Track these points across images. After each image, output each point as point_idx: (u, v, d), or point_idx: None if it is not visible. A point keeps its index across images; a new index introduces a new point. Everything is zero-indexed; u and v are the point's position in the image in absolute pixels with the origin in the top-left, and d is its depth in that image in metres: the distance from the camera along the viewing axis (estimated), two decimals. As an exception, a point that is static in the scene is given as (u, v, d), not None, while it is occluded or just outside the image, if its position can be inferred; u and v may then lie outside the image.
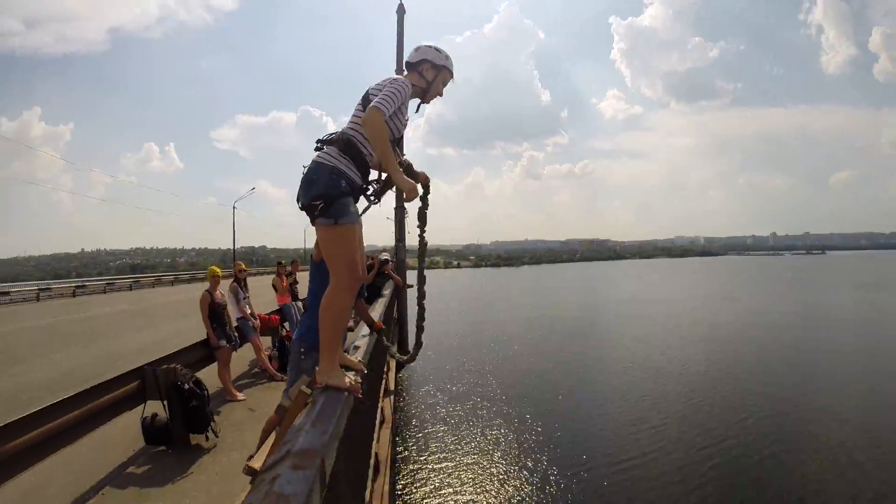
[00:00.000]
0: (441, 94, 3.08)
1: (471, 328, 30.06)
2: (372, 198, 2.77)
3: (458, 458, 11.25)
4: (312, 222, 2.54)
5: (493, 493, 9.77)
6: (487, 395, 15.95)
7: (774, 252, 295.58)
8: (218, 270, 7.91)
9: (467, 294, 57.85)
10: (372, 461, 3.83)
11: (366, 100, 2.69)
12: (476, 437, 12.47)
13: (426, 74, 2.97)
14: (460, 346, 24.18)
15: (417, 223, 3.25)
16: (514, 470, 10.73)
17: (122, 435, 5.96)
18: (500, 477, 10.39)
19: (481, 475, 10.49)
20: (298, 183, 2.59)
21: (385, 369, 7.25)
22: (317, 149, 2.67)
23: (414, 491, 9.83)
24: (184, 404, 5.72)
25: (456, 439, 12.35)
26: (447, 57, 3.00)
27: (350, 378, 2.31)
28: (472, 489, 9.90)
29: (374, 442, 4.19)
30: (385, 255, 11.05)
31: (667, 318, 32.38)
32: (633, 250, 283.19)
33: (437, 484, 10.08)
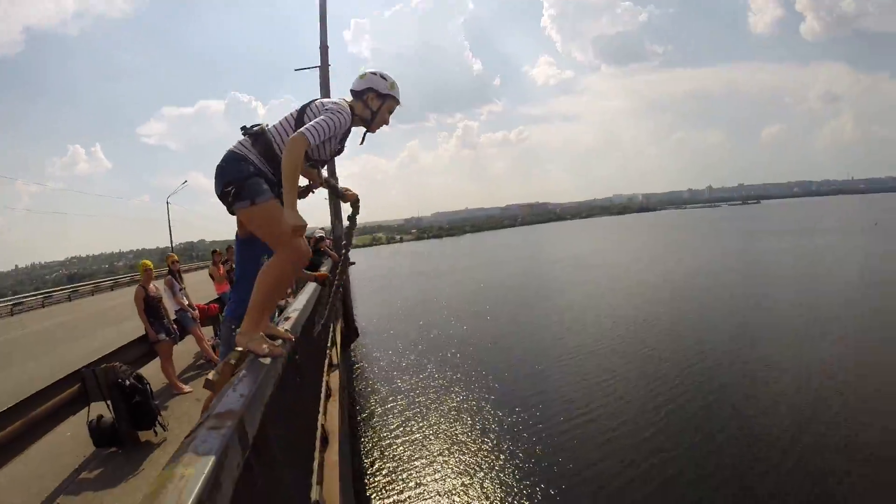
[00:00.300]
0: (387, 123, 2.98)
1: (418, 302, 30.26)
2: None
3: (415, 428, 11.48)
4: (231, 211, 2.53)
5: (453, 458, 10.01)
6: (441, 365, 16.20)
7: (711, 204, 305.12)
8: (149, 264, 7.69)
9: (411, 268, 57.61)
10: (319, 433, 3.88)
11: (302, 112, 2.66)
12: (432, 406, 12.71)
13: (371, 104, 2.86)
14: (409, 321, 24.38)
15: (343, 241, 3.27)
16: (471, 433, 11.02)
17: (71, 442, 5.77)
18: (459, 443, 10.66)
19: (439, 442, 10.75)
20: None
21: (328, 344, 7.26)
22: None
23: (373, 461, 9.98)
24: (127, 401, 5.58)
25: (413, 410, 12.56)
26: (393, 85, 2.89)
27: (270, 343, 2.32)
28: (430, 456, 10.11)
29: (320, 414, 4.24)
30: (320, 233, 10.98)
31: (610, 278, 33.49)
32: (572, 211, 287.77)
33: (396, 454, 10.26)
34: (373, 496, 8.81)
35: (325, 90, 19.02)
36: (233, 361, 2.17)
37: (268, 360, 2.13)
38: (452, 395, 13.36)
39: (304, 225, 2.37)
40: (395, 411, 12.58)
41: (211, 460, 1.19)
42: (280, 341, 2.46)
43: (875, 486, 8.08)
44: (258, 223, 2.51)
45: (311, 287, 4.34)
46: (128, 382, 5.59)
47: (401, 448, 10.51)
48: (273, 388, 1.96)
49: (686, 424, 10.68)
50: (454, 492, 8.81)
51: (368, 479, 9.36)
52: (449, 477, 9.32)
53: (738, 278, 28.43)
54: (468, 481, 9.14)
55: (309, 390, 3.83)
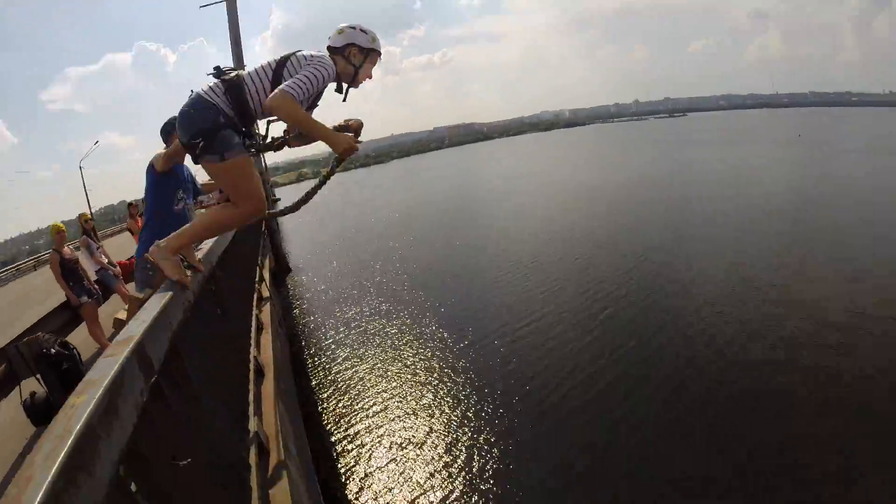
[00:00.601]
0: (371, 77, 2.83)
1: (351, 233, 29.94)
2: (252, 150, 2.57)
3: (361, 356, 11.68)
4: (196, 161, 2.41)
5: (400, 380, 10.28)
6: (380, 294, 16.30)
7: (638, 117, 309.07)
8: (61, 226, 7.24)
9: (341, 200, 56.21)
10: (252, 365, 3.89)
11: (281, 65, 2.51)
12: (376, 333, 12.92)
13: (353, 59, 2.73)
14: (343, 253, 24.16)
15: (327, 169, 3.11)
16: (415, 355, 11.30)
17: (10, 428, 5.52)
18: (406, 365, 10.92)
19: (385, 367, 11.00)
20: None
21: (256, 279, 7.21)
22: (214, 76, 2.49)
23: (323, 396, 10.16)
24: (56, 371, 5.37)
25: (357, 340, 12.74)
26: (374, 38, 2.75)
27: (183, 269, 2.27)
28: (379, 383, 10.35)
29: (252, 347, 4.24)
30: None
31: (544, 196, 34.03)
32: (500, 130, 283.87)
33: (345, 385, 10.44)
34: (329, 427, 8.95)
35: (234, 25, 17.99)
36: (138, 296, 2.11)
37: (174, 288, 2.06)
38: (395, 321, 13.51)
39: (350, 142, 2.52)
40: (340, 343, 12.65)
41: (102, 386, 1.17)
42: (190, 271, 2.41)
43: (806, 378, 8.63)
44: (225, 179, 2.44)
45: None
46: (53, 351, 5.36)
47: (350, 379, 10.63)
48: (183, 316, 1.91)
49: (622, 332, 11.12)
50: (408, 413, 9.03)
51: (319, 413, 9.49)
52: (400, 399, 9.54)
53: (671, 190, 29.14)
54: (418, 401, 9.39)
55: (236, 323, 3.79)
